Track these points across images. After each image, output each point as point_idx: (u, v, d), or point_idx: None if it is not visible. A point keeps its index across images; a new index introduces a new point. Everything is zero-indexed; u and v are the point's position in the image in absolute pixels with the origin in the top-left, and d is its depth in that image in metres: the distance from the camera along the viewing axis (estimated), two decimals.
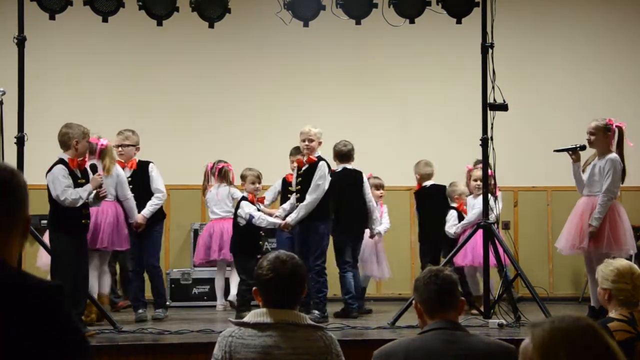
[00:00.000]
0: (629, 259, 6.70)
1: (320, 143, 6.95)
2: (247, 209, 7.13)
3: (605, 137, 6.69)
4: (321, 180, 6.81)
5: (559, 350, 2.08)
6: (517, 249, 8.77)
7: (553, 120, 9.67)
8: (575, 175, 6.79)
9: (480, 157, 7.04)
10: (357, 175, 7.47)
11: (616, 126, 6.73)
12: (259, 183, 7.31)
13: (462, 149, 8.70)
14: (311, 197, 6.83)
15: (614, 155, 6.67)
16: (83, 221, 6.27)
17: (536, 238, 9.44)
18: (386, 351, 3.06)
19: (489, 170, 6.78)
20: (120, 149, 7.21)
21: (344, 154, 7.47)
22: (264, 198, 7.52)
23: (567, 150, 6.79)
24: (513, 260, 6.78)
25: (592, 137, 6.70)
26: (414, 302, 3.23)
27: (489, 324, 6.39)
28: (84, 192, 6.19)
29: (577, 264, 8.75)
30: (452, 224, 7.82)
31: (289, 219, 6.95)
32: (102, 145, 6.94)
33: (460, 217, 7.80)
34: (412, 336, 3.15)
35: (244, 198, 7.28)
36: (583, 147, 6.82)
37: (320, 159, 6.90)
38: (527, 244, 9.36)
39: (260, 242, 7.22)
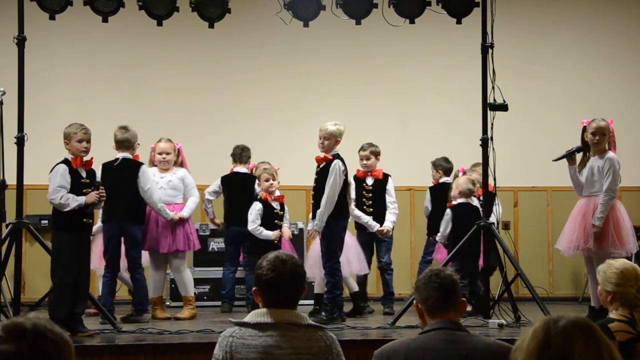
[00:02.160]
0: (630, 258, 6.71)
1: (337, 141, 6.84)
2: (250, 215, 7.18)
3: (607, 137, 6.70)
4: (333, 180, 6.74)
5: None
6: (517, 249, 8.78)
7: (553, 120, 9.67)
8: (572, 178, 6.78)
9: (478, 161, 7.05)
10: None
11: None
12: (274, 180, 7.35)
13: (462, 149, 8.70)
14: (324, 199, 6.73)
15: (612, 154, 6.69)
16: (84, 220, 6.26)
17: (536, 238, 9.44)
18: (387, 351, 3.06)
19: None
20: None
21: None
22: (283, 197, 7.52)
23: (565, 156, 6.78)
24: (513, 260, 6.78)
25: (598, 138, 6.66)
26: (414, 302, 3.23)
27: (489, 324, 6.39)
28: (74, 202, 6.11)
29: (577, 264, 8.75)
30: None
31: (315, 227, 6.88)
32: None
33: None
34: (413, 336, 3.15)
35: (257, 199, 7.29)
36: (580, 149, 6.82)
37: (335, 157, 6.81)
38: (527, 244, 9.36)
39: (276, 242, 7.22)
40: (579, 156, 6.88)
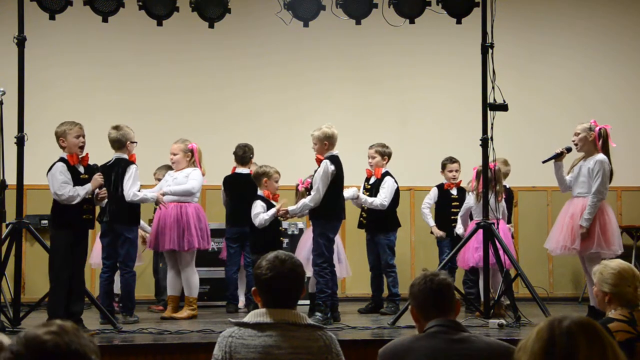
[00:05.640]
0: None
1: (326, 144, 6.86)
2: (253, 211, 7.23)
3: (589, 138, 6.74)
4: (321, 179, 6.77)
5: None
6: (517, 249, 8.77)
7: (553, 120, 9.67)
8: (556, 174, 6.87)
9: (478, 161, 7.08)
10: None
11: (600, 128, 6.78)
12: None
13: (462, 149, 8.69)
14: (311, 196, 6.82)
15: (602, 156, 6.73)
16: (84, 217, 6.28)
17: (536, 238, 9.42)
18: (390, 349, 3.08)
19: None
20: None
21: None
22: (278, 196, 7.58)
23: (553, 158, 6.87)
24: (513, 260, 6.79)
25: (577, 139, 6.79)
26: (410, 307, 3.24)
27: (489, 324, 6.40)
28: (82, 191, 6.23)
29: (577, 264, 8.73)
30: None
31: (289, 207, 7.00)
32: None
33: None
34: (417, 334, 3.16)
35: (259, 197, 7.34)
36: (569, 149, 6.90)
37: (327, 158, 6.83)
38: (527, 244, 9.36)
39: (282, 238, 7.27)
40: (572, 157, 6.94)
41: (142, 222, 7.43)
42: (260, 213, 7.24)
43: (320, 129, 6.88)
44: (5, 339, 2.07)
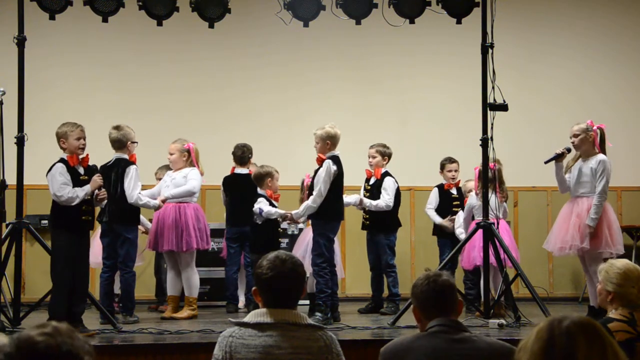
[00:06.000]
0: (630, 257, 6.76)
1: (328, 144, 6.84)
2: (257, 205, 7.25)
3: (588, 138, 6.77)
4: (322, 179, 6.77)
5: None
6: (517, 249, 8.77)
7: (553, 120, 9.67)
8: (557, 175, 6.89)
9: (478, 161, 7.09)
10: None
11: (597, 127, 6.79)
12: None
13: (462, 149, 8.70)
14: (313, 196, 6.81)
15: (603, 156, 6.77)
16: (84, 217, 6.28)
17: (536, 238, 9.42)
18: (391, 349, 3.09)
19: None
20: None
21: None
22: (279, 196, 7.62)
23: (555, 158, 6.89)
24: (513, 260, 6.79)
25: (577, 140, 6.81)
26: (412, 307, 3.24)
27: (489, 324, 6.40)
28: (81, 192, 6.21)
29: (577, 264, 8.73)
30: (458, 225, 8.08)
31: (293, 212, 7.03)
32: None
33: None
34: (418, 334, 3.16)
35: (261, 195, 7.39)
36: (569, 150, 6.93)
37: (328, 158, 6.83)
38: (527, 244, 9.35)
39: (280, 239, 7.27)
40: (570, 156, 6.96)
41: (142, 217, 7.44)
42: (267, 205, 7.27)
43: (323, 128, 6.88)
44: (4, 339, 2.06)
